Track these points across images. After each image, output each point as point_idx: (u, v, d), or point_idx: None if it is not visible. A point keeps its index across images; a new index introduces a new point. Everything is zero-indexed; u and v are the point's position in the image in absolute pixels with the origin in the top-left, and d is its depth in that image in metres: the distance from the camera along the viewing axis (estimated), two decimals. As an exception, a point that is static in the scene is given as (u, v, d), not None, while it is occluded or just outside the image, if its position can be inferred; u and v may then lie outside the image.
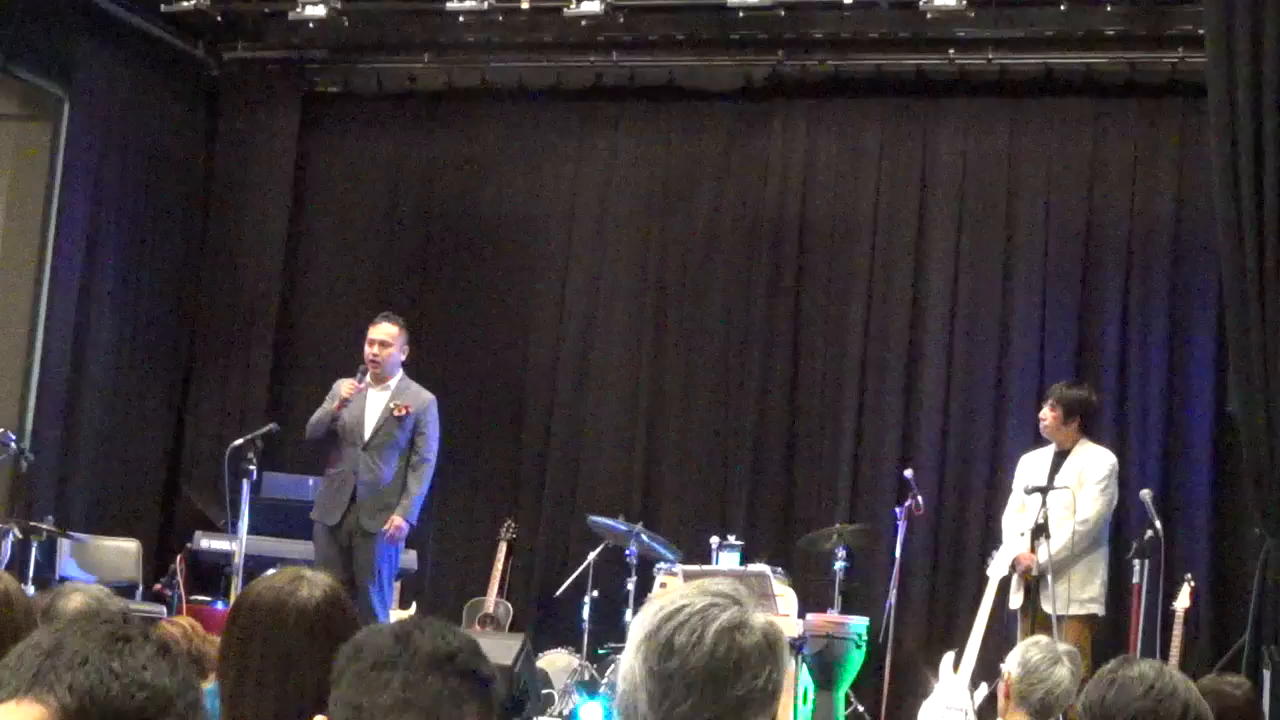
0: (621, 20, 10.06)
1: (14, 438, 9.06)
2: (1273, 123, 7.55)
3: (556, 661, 9.12)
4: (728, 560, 9.13)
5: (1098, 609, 8.17)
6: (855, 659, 8.56)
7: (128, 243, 10.54)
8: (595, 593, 9.37)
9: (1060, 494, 8.02)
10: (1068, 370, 9.50)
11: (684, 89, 10.59)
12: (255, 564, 8.11)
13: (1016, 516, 8.35)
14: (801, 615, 8.72)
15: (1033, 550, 8.07)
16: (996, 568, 8.19)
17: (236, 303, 10.96)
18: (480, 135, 11.09)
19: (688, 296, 10.60)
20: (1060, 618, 7.79)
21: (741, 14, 9.80)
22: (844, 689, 8.60)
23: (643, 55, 10.56)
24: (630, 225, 10.78)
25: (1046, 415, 8.39)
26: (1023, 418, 9.47)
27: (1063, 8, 9.50)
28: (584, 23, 9.83)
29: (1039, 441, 8.53)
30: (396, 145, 11.26)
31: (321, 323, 11.01)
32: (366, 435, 8.28)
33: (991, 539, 8.84)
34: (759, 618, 2.10)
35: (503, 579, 9.92)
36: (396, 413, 8.30)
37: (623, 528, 9.33)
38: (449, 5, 9.88)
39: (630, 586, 9.12)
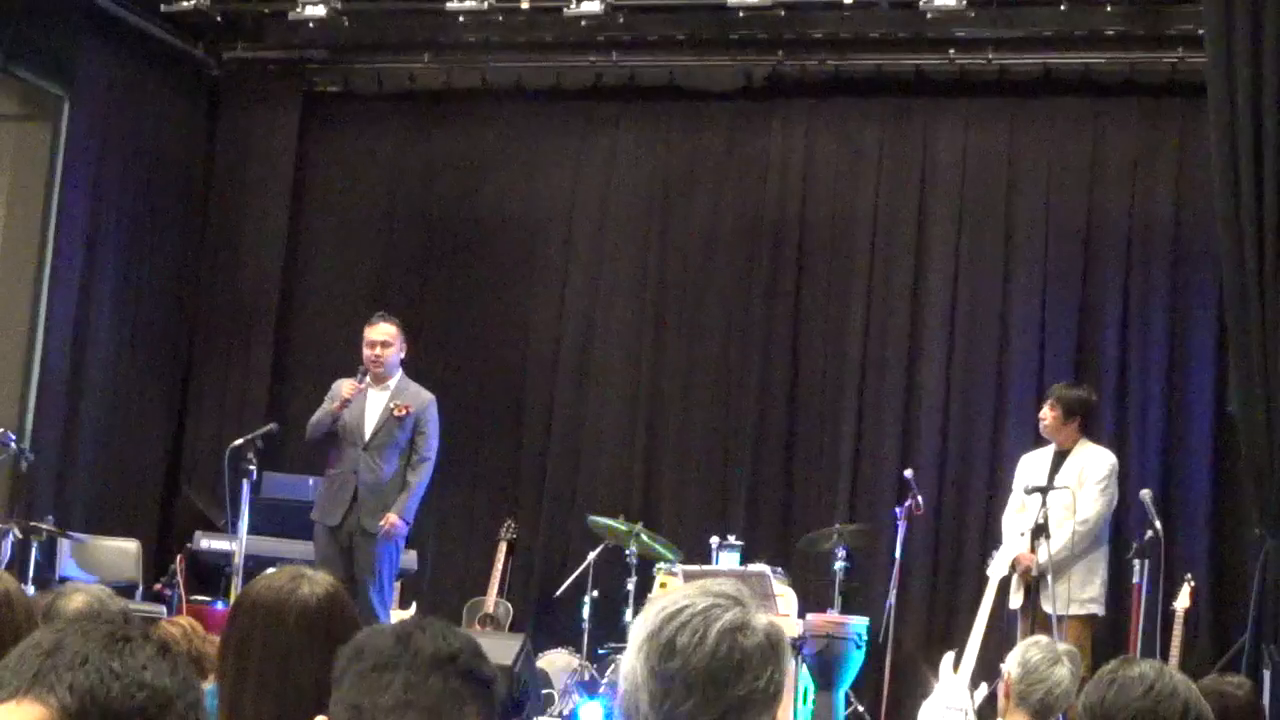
0: (621, 20, 10.07)
1: (14, 438, 9.06)
2: (1273, 122, 7.55)
3: (556, 661, 9.12)
4: (728, 560, 9.13)
5: (1098, 609, 8.16)
6: (855, 659, 8.55)
7: (128, 243, 10.54)
8: (595, 593, 9.37)
9: (1060, 494, 8.02)
10: (1068, 370, 9.50)
11: (684, 89, 10.60)
12: (255, 564, 8.10)
13: (1016, 516, 8.35)
14: (801, 615, 8.71)
15: (1033, 550, 8.06)
16: (996, 568, 8.18)
17: (236, 302, 10.97)
18: (480, 135, 11.09)
19: (687, 296, 10.60)
20: (1060, 618, 7.78)
21: (741, 14, 9.80)
22: (844, 689, 8.60)
23: (643, 55, 10.57)
24: (630, 225, 10.78)
25: (1046, 415, 8.39)
26: (1023, 418, 9.46)
27: (1063, 8, 9.50)
28: (584, 23, 9.83)
29: (1039, 441, 8.53)
30: (396, 145, 11.26)
31: (321, 322, 11.01)
32: (367, 435, 8.29)
33: (991, 539, 8.84)
34: (761, 619, 2.10)
35: (503, 579, 9.92)
36: (397, 412, 8.31)
37: (623, 528, 9.33)
38: (449, 5, 9.88)
39: (630, 586, 9.12)
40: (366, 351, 8.37)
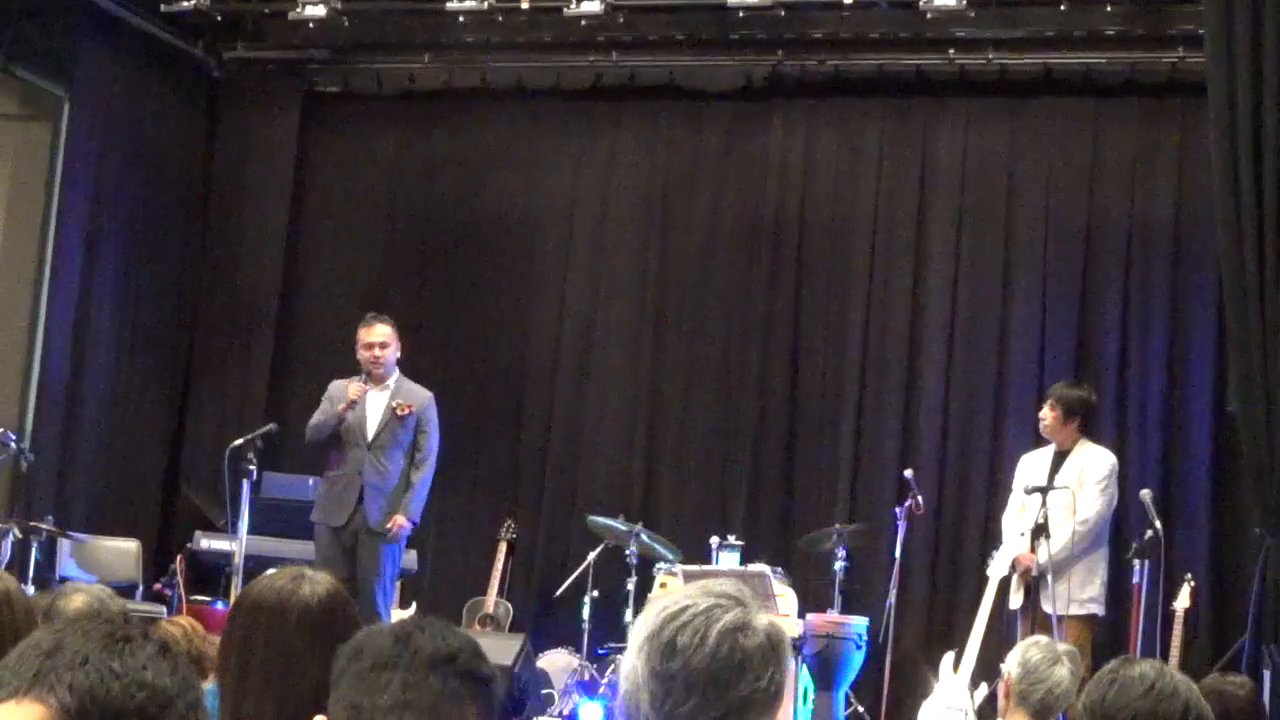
0: (621, 20, 10.07)
1: (14, 438, 9.06)
2: (1273, 122, 7.55)
3: (556, 661, 9.12)
4: (728, 560, 9.12)
5: (1098, 609, 8.16)
6: (855, 659, 8.55)
7: (128, 243, 10.54)
8: (595, 593, 9.37)
9: (1060, 494, 8.01)
10: (1068, 370, 9.49)
11: (684, 89, 10.60)
12: (255, 564, 8.09)
13: (1016, 516, 8.35)
14: (801, 615, 8.71)
15: (1033, 550, 8.06)
16: (996, 568, 8.18)
17: (236, 303, 10.97)
18: (480, 135, 11.09)
19: (688, 296, 10.60)
20: (1060, 618, 7.78)
21: (741, 14, 9.81)
22: (844, 689, 8.60)
23: (643, 55, 10.57)
24: (630, 225, 10.78)
25: (1046, 415, 8.39)
26: (1023, 418, 9.46)
27: (1063, 8, 9.50)
28: (584, 23, 9.83)
29: (1039, 441, 8.53)
30: (396, 145, 11.26)
31: (321, 323, 11.01)
32: (370, 435, 8.31)
33: (991, 539, 8.84)
34: (762, 619, 2.10)
35: (503, 579, 9.92)
36: (399, 412, 8.33)
37: (623, 528, 9.33)
38: (449, 5, 9.89)
39: (630, 586, 9.12)
40: (364, 353, 8.39)
